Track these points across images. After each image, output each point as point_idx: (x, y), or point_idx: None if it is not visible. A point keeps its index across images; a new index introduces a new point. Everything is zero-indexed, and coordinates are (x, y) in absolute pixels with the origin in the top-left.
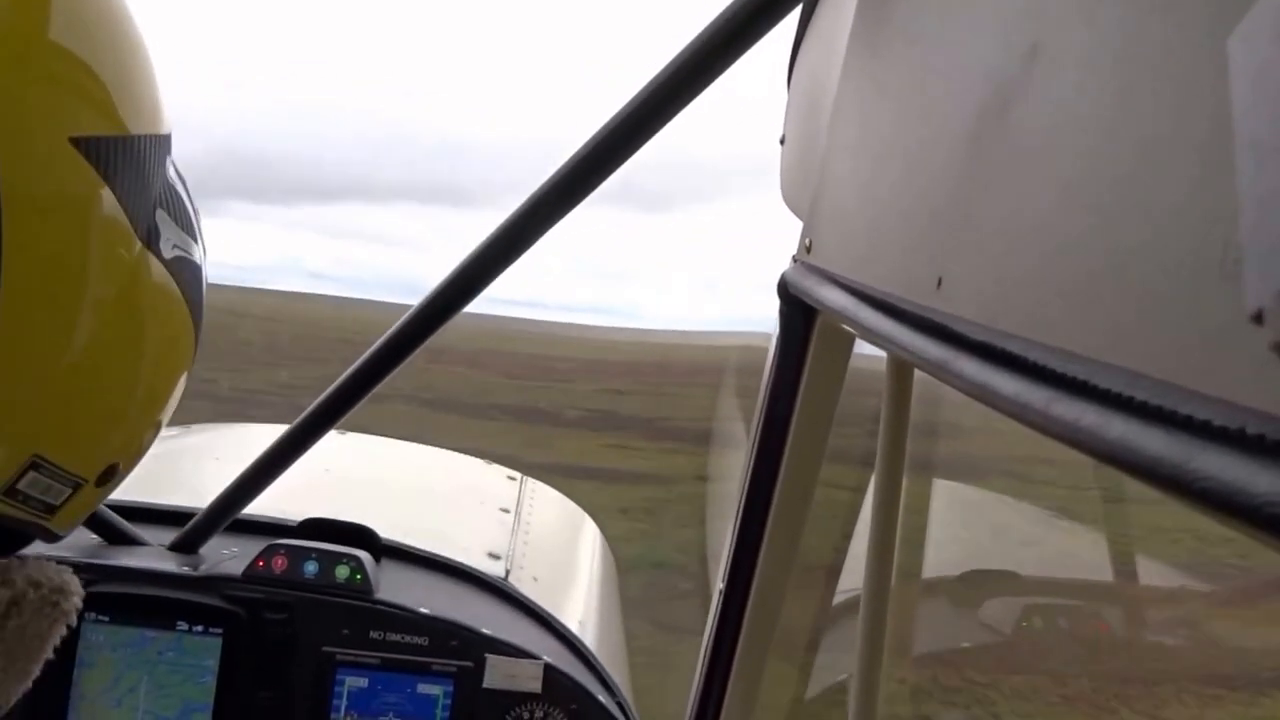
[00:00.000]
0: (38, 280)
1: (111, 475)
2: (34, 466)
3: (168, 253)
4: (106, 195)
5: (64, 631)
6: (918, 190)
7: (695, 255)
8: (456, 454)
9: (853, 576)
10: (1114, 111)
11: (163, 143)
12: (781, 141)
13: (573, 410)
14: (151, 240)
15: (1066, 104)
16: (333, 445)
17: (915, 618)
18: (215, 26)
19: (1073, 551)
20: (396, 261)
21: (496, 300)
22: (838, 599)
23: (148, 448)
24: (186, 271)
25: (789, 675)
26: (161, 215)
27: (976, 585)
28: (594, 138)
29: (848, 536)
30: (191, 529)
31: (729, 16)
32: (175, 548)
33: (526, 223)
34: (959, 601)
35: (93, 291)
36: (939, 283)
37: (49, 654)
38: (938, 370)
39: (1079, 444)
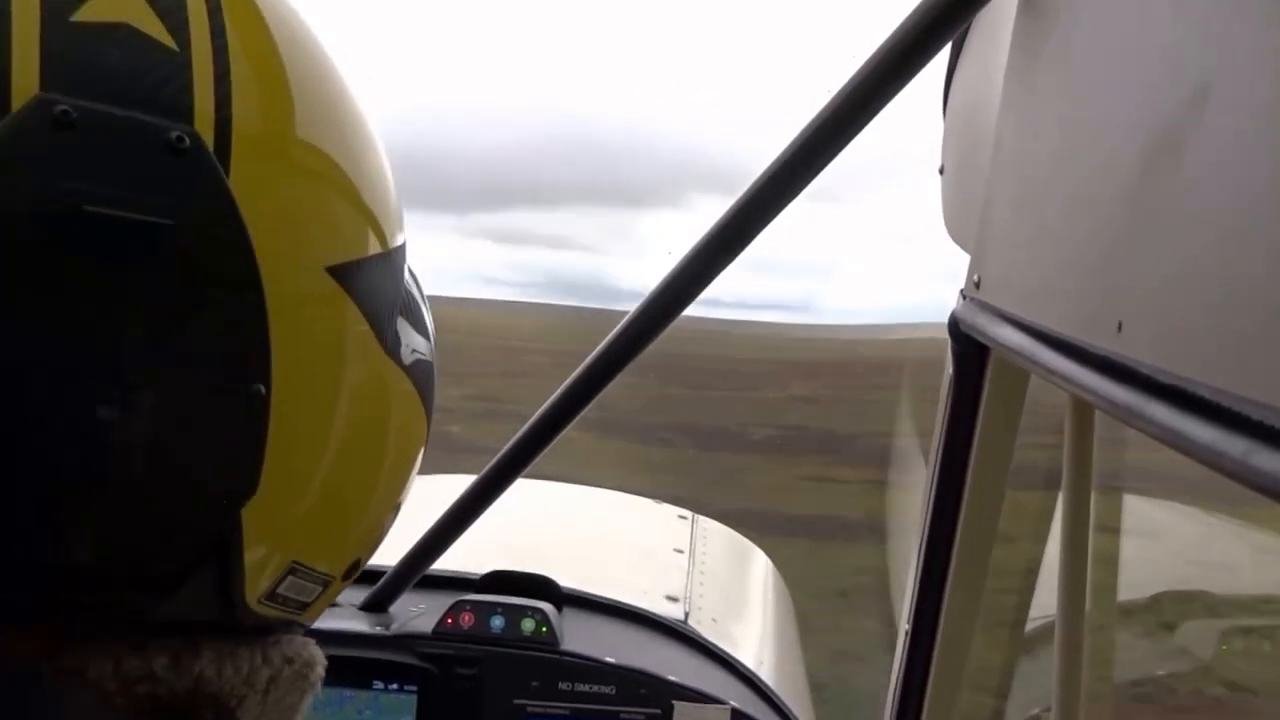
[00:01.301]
0: (302, 397)
1: (356, 569)
2: (292, 572)
3: (407, 358)
4: (358, 314)
5: (311, 701)
6: (1089, 229)
7: (867, 245)
8: (626, 495)
9: (1040, 604)
10: None
11: (404, 250)
12: (940, 172)
13: (759, 428)
14: (394, 349)
15: (1241, 145)
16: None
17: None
18: (376, 29)
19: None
20: (569, 264)
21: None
22: (1029, 626)
23: (386, 535)
24: (424, 373)
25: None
26: (402, 323)
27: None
28: (782, 154)
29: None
30: (381, 588)
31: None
32: (366, 607)
33: (736, 227)
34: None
35: (346, 404)
36: (1119, 326)
37: None
38: (1124, 415)
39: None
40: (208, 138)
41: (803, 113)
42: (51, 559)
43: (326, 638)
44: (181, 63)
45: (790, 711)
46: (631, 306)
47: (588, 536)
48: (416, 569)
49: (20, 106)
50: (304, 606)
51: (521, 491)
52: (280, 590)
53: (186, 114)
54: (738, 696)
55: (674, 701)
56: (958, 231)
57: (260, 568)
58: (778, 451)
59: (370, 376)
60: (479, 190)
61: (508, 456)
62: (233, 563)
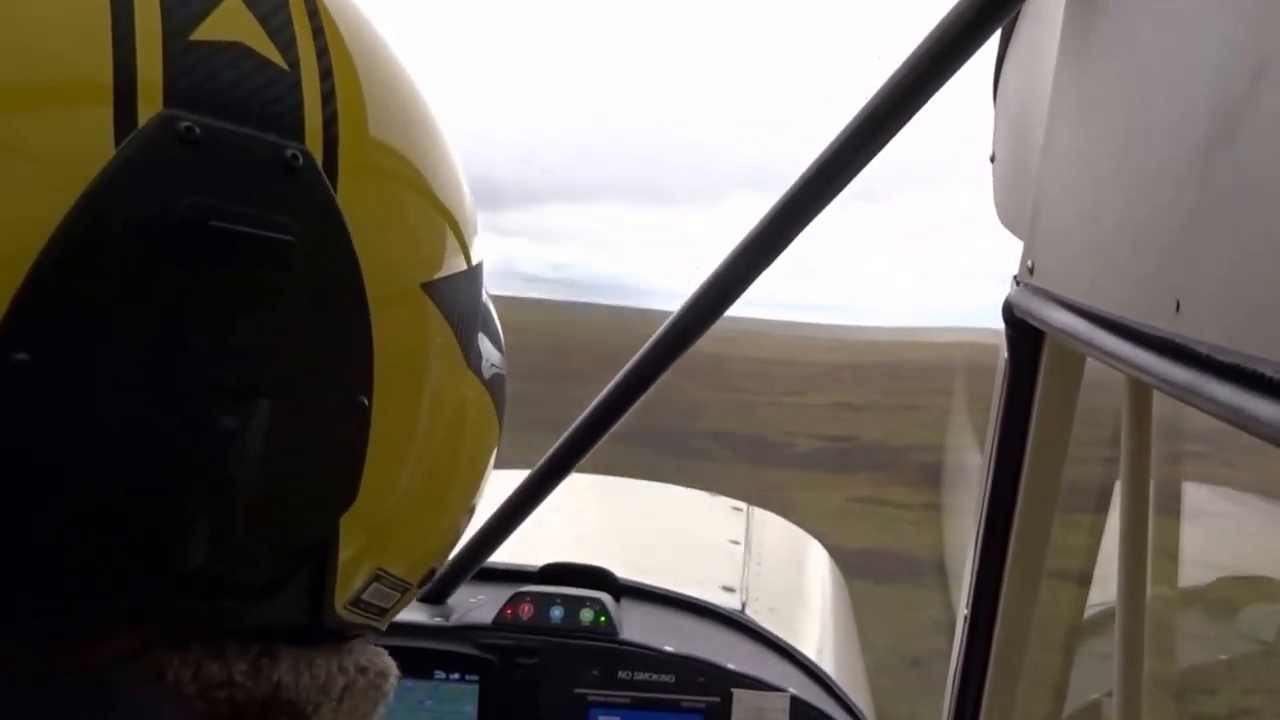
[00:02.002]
0: (397, 410)
1: (431, 577)
2: (377, 579)
3: (487, 373)
4: (447, 329)
5: (383, 711)
6: (1145, 211)
7: (910, 246)
8: (680, 488)
9: (1100, 589)
10: None
11: (483, 265)
12: (992, 159)
13: (804, 439)
14: (476, 364)
15: None
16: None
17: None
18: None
19: None
20: (606, 263)
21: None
22: (1088, 612)
23: (459, 542)
24: (499, 386)
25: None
26: (482, 337)
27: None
28: (823, 154)
29: (1094, 551)
30: (440, 580)
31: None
32: (426, 599)
33: (778, 226)
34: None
35: (434, 417)
36: (1177, 306)
37: None
38: (1184, 394)
39: None
40: (317, 155)
41: (844, 111)
42: (162, 566)
43: (390, 629)
44: (292, 82)
45: (851, 700)
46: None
47: (643, 529)
48: (475, 561)
49: (146, 122)
50: (383, 613)
51: (576, 485)
52: (365, 596)
53: (298, 132)
54: (797, 684)
55: (733, 690)
56: (1010, 218)
57: (350, 574)
58: (825, 466)
59: (456, 391)
60: (513, 189)
61: (560, 452)
62: (326, 570)
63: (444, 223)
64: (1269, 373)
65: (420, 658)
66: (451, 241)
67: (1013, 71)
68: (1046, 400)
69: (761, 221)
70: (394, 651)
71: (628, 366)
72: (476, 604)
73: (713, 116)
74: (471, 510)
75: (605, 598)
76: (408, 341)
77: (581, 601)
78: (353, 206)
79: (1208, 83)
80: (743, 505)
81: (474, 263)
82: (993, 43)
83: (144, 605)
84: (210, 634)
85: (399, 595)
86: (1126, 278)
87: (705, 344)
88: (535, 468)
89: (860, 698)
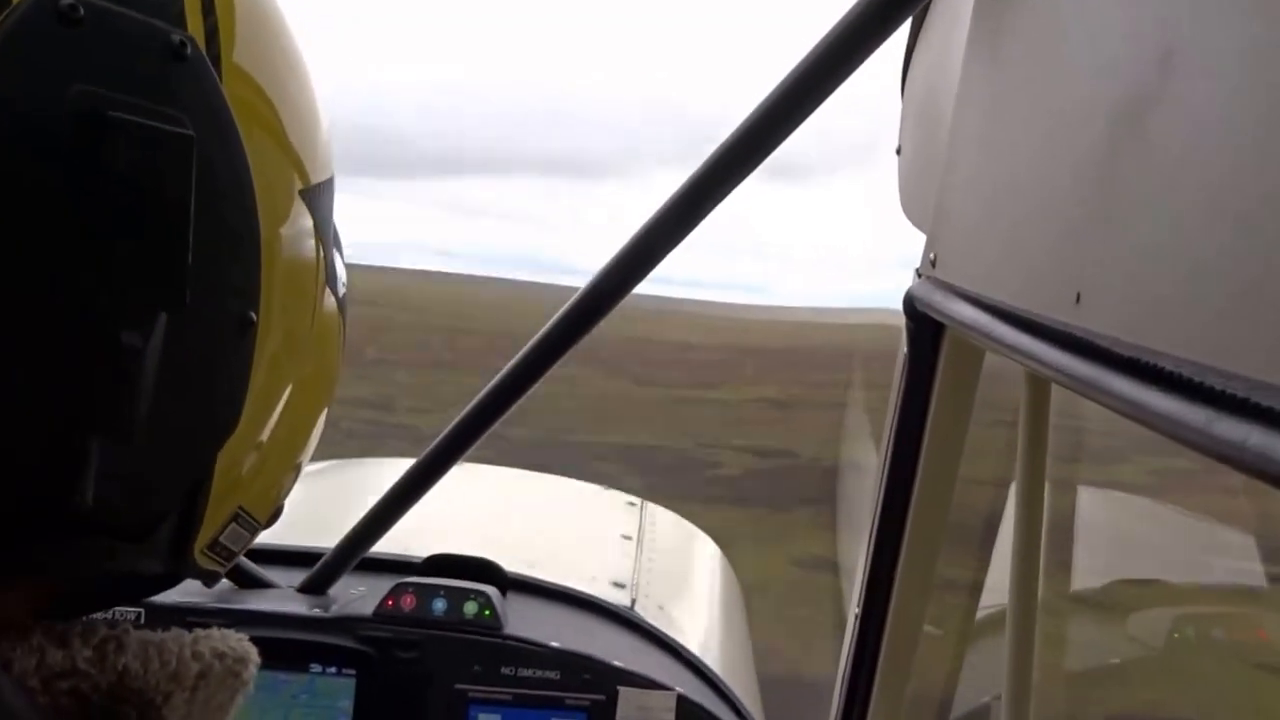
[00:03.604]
0: (276, 328)
1: (277, 516)
2: (235, 519)
3: (340, 291)
4: (318, 242)
5: (241, 702)
6: (1050, 201)
7: (828, 228)
8: (574, 481)
9: (993, 590)
10: (1259, 118)
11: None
12: (898, 152)
13: (729, 454)
14: (332, 281)
15: (1207, 112)
16: (449, 477)
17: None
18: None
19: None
20: (522, 237)
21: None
22: (979, 614)
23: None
24: (345, 310)
25: (930, 692)
26: (335, 255)
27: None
28: (739, 128)
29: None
30: (320, 570)
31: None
32: (305, 589)
33: (691, 202)
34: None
35: (306, 336)
36: (1078, 298)
37: None
38: (1082, 388)
39: (1244, 466)
40: (200, 45)
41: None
42: (54, 505)
43: (262, 619)
44: None
45: (737, 698)
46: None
47: (534, 522)
48: (357, 550)
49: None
50: (230, 557)
51: (468, 476)
52: (222, 539)
53: (179, 19)
54: (684, 683)
55: (619, 687)
56: (914, 211)
57: (215, 513)
58: (756, 500)
59: (324, 307)
60: (431, 159)
61: (448, 439)
62: (198, 506)
63: (315, 128)
64: (1168, 366)
65: (296, 650)
66: (322, 147)
67: (921, 65)
68: (945, 394)
69: (672, 198)
70: (269, 643)
71: (521, 352)
72: (357, 595)
73: (635, 90)
74: (315, 437)
75: (491, 591)
76: (290, 252)
77: (466, 594)
78: (236, 104)
79: (1115, 72)
80: (637, 500)
81: (332, 173)
82: (903, 36)
83: (30, 556)
84: (60, 609)
85: (249, 537)
86: (1029, 270)
87: (618, 323)
88: (421, 455)
89: (748, 697)
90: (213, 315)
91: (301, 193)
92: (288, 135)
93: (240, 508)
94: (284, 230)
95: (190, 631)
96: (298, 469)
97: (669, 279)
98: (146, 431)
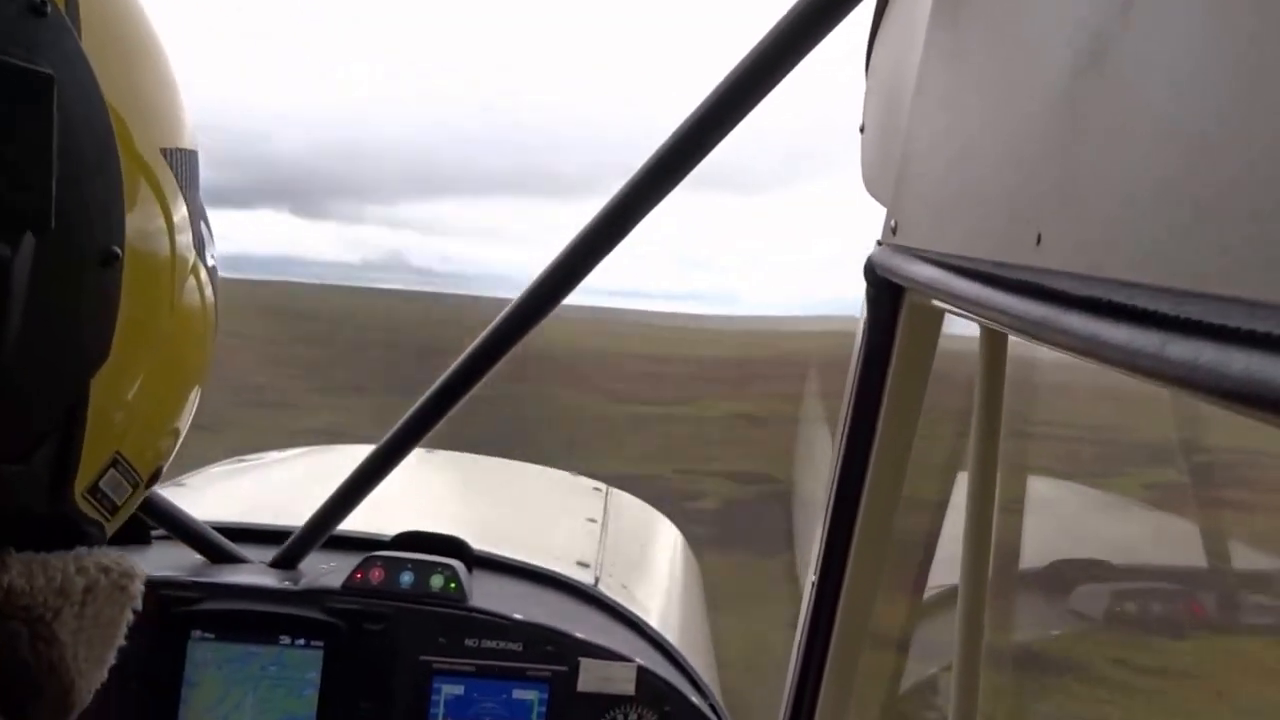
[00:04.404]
0: (143, 272)
1: (157, 478)
2: (114, 464)
3: (209, 261)
4: (182, 203)
5: (131, 617)
6: (1011, 149)
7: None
8: (542, 467)
9: (942, 570)
10: (1210, 43)
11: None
12: (861, 130)
13: (708, 478)
14: (201, 248)
15: (1163, 41)
16: (423, 464)
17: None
18: (294, 19)
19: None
20: (499, 256)
21: (593, 290)
22: (929, 594)
23: (177, 445)
24: (217, 281)
25: (881, 667)
26: (203, 226)
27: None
28: (681, 127)
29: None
30: (290, 545)
31: (805, 6)
32: (276, 564)
33: (620, 213)
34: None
35: (173, 288)
36: (1038, 239)
37: (121, 640)
38: (1038, 332)
39: (1199, 385)
40: (60, 6)
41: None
42: None
43: (235, 592)
44: None
45: (697, 673)
46: None
47: (504, 505)
48: (326, 527)
49: None
50: (114, 509)
51: (442, 461)
52: (102, 484)
53: None
54: (644, 656)
55: (580, 659)
56: (876, 185)
57: (92, 456)
58: (743, 540)
59: (189, 266)
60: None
61: (406, 425)
62: (74, 440)
63: (171, 96)
64: (1121, 298)
65: (265, 622)
66: (180, 116)
67: (885, 43)
68: (904, 360)
69: (611, 201)
70: (239, 616)
71: (476, 341)
72: (327, 570)
73: (602, 108)
74: (194, 401)
75: (457, 565)
76: (154, 200)
77: (433, 567)
78: (95, 59)
79: (1079, 15)
80: (602, 486)
81: (197, 146)
82: (868, 16)
83: None
84: None
85: (130, 490)
86: (989, 220)
87: (588, 337)
88: (384, 438)
89: (706, 672)
90: (78, 244)
91: (163, 151)
92: (144, 91)
93: (119, 453)
94: (146, 178)
95: (73, 548)
96: (176, 434)
97: (643, 293)
98: (18, 346)
